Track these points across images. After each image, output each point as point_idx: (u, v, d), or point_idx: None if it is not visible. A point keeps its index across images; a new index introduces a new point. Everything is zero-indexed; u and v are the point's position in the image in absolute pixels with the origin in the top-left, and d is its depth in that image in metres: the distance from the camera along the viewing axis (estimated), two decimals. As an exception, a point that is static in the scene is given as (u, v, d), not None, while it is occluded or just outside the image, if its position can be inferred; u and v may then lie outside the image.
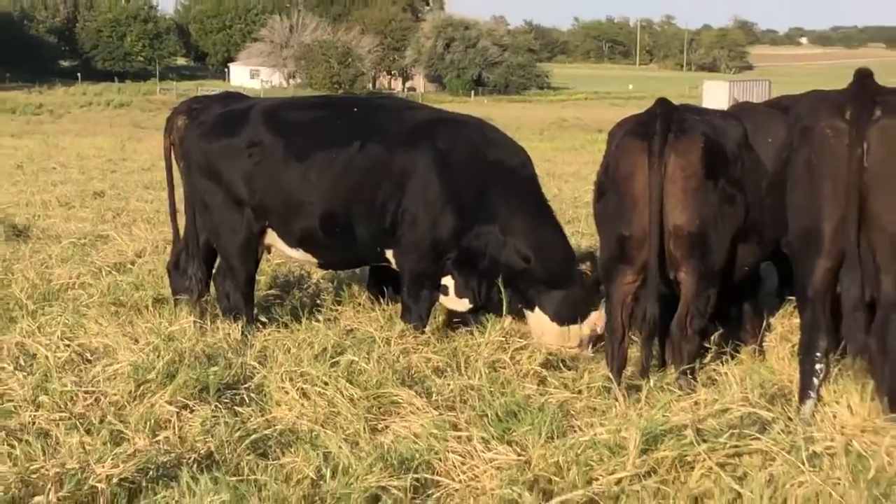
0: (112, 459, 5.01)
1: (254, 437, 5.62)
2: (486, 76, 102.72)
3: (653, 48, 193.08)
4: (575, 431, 5.55)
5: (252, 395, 6.36)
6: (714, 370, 6.89)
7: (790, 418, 5.72)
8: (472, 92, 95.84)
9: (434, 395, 6.43)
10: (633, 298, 6.66)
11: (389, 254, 7.92)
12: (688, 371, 6.66)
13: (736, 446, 5.17)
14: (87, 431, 5.63)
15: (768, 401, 5.99)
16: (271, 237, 8.06)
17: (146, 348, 6.82)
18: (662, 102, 6.64)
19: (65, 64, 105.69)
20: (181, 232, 8.78)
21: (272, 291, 9.46)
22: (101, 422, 5.79)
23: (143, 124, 52.42)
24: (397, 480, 4.99)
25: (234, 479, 4.93)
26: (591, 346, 7.78)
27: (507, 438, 5.47)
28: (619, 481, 4.98)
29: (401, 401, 6.22)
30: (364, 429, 5.81)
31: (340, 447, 5.33)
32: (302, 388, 6.29)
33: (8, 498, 4.77)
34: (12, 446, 5.26)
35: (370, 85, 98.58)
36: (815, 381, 5.96)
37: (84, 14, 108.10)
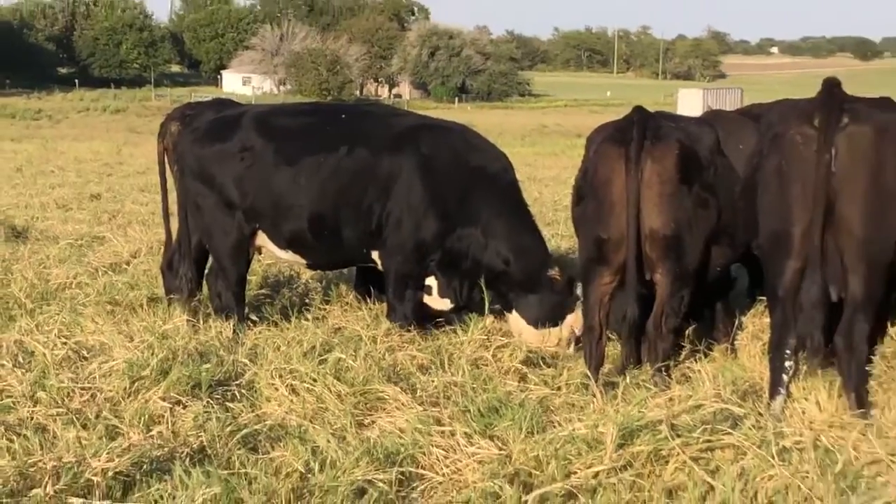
0: (107, 453, 5.09)
1: (244, 431, 5.67)
2: (470, 83, 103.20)
3: (630, 57, 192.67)
4: (554, 427, 5.62)
5: (243, 391, 6.42)
6: (688, 367, 6.95)
7: (761, 414, 5.79)
8: (456, 99, 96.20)
9: (418, 391, 6.49)
10: (610, 298, 6.75)
11: (375, 255, 8.01)
12: (662, 368, 6.73)
13: (709, 441, 5.25)
14: (84, 426, 5.69)
15: (740, 397, 6.10)
16: (262, 239, 8.12)
17: (141, 346, 6.88)
18: (639, 110, 6.72)
19: (63, 71, 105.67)
20: (174, 234, 8.83)
21: (263, 291, 9.48)
22: (97, 417, 5.85)
23: (138, 129, 52.16)
24: (383, 474, 5.06)
25: (225, 472, 4.97)
26: (571, 346, 7.82)
27: (489, 433, 5.53)
28: (596, 475, 5.05)
29: (386, 397, 6.28)
30: (351, 424, 5.86)
31: (328, 442, 5.40)
32: (291, 385, 6.34)
33: (7, 490, 4.84)
34: (11, 440, 5.33)
35: (358, 92, 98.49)
36: (785, 378, 6.05)
37: (81, 23, 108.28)
